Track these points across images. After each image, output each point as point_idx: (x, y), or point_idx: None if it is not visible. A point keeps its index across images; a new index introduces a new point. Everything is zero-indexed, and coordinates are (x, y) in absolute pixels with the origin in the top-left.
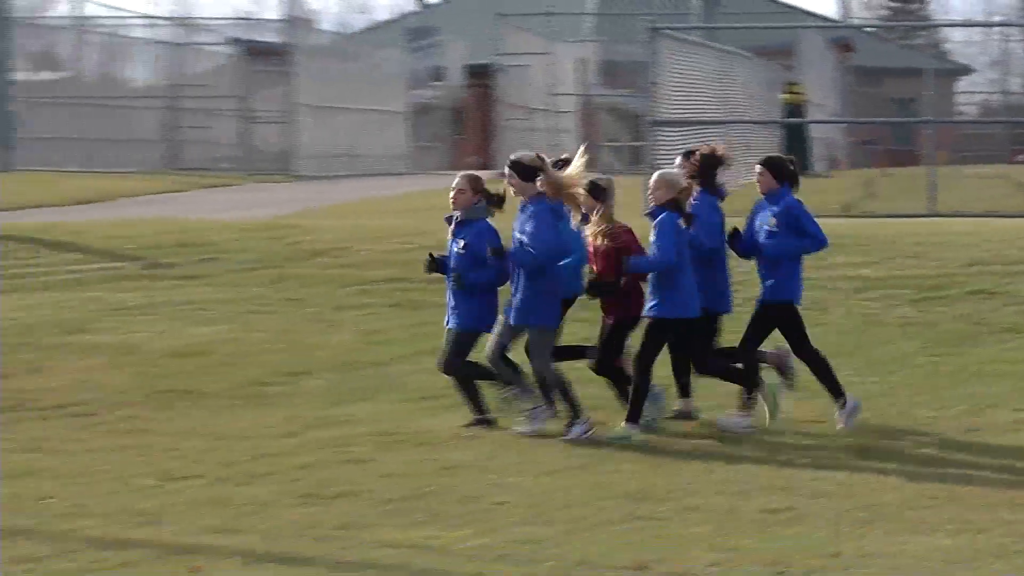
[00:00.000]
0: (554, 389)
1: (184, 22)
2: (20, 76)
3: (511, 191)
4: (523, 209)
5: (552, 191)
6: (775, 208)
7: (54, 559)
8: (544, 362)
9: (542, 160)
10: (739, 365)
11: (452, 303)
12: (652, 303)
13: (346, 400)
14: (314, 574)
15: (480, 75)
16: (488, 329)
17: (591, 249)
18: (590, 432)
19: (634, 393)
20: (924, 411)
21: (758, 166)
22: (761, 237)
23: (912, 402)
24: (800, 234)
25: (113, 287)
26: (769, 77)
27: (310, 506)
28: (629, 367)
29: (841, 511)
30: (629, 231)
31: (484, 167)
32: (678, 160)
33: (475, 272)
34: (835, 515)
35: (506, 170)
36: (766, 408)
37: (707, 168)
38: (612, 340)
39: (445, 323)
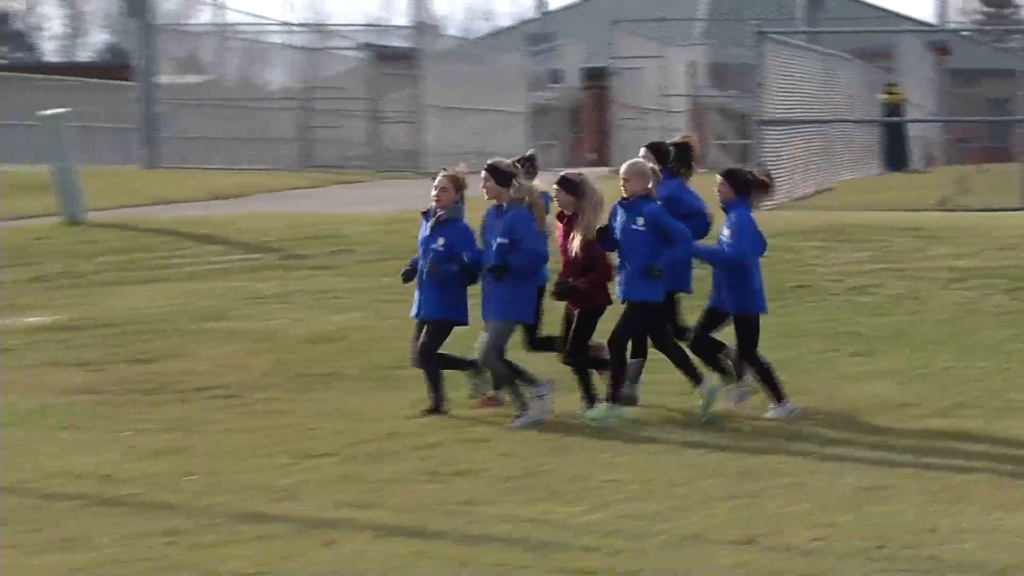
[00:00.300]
0: (504, 380)
1: (318, 29)
2: (165, 79)
3: (485, 193)
4: (499, 213)
5: (518, 197)
6: (730, 218)
7: (195, 533)
8: (493, 355)
9: (517, 168)
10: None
11: (425, 295)
12: (648, 287)
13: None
14: (441, 547)
15: (596, 77)
16: (462, 320)
17: (560, 245)
18: (540, 422)
19: (614, 374)
20: (1017, 395)
21: (719, 176)
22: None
23: (1006, 386)
24: (755, 239)
25: (252, 277)
26: (869, 79)
27: (436, 483)
28: (602, 354)
29: (935, 489)
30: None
31: (599, 164)
32: (642, 151)
33: (450, 266)
34: (929, 493)
35: (483, 173)
36: (701, 402)
37: (684, 157)
38: (581, 330)
39: (414, 315)
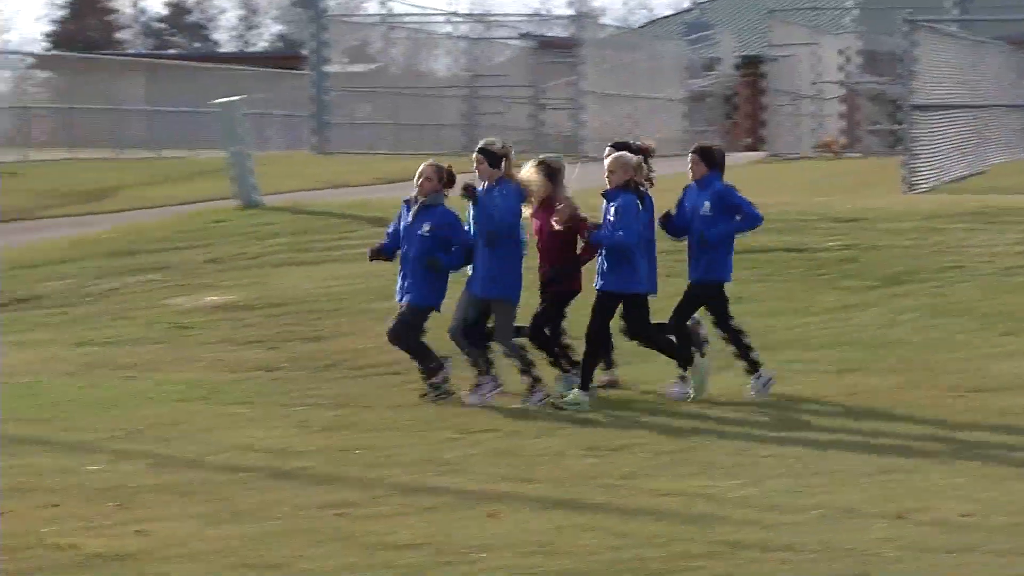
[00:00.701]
0: (519, 360)
1: (482, 19)
2: (335, 68)
3: (478, 174)
4: (489, 190)
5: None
6: (705, 194)
7: (365, 505)
8: (507, 336)
9: (508, 149)
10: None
11: (408, 280)
12: (608, 278)
13: (629, 362)
14: (602, 519)
15: (751, 65)
16: (438, 306)
17: (536, 230)
18: (546, 400)
19: (586, 360)
20: None
21: (691, 154)
22: (696, 223)
23: None
24: (734, 214)
25: None
26: (1020, 65)
27: (595, 457)
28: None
29: None
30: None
31: (754, 149)
32: (607, 151)
33: (444, 255)
34: None
35: (475, 155)
36: (693, 384)
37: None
38: (549, 312)
39: (398, 299)
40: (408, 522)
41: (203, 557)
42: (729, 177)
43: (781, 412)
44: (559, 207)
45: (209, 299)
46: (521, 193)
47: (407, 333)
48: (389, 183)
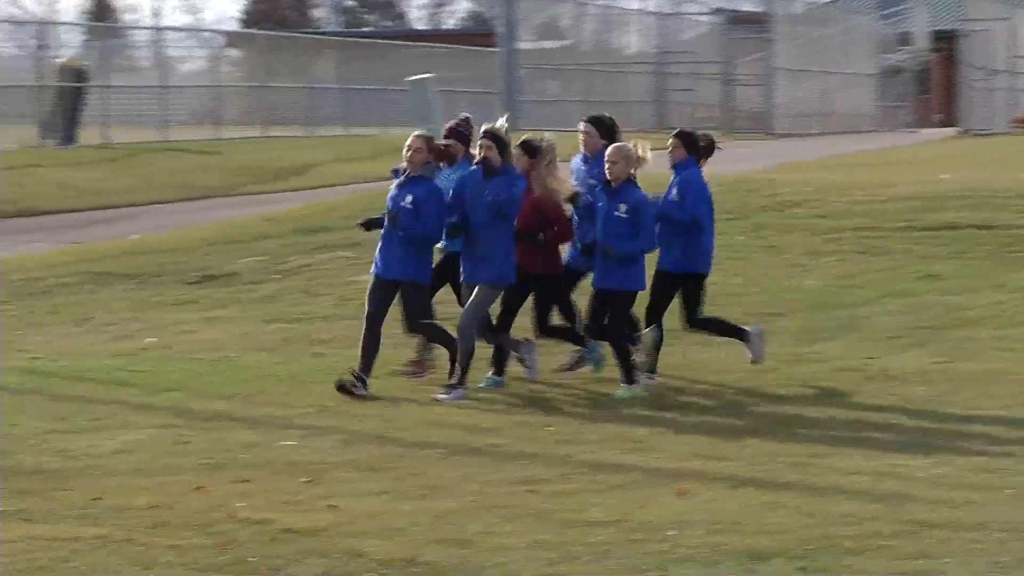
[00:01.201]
0: (459, 346)
1: None
2: (525, 45)
3: (489, 160)
4: (487, 176)
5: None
6: (677, 179)
7: (554, 481)
8: (474, 318)
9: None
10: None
11: (396, 254)
12: (625, 275)
13: (817, 339)
14: (791, 498)
15: (944, 39)
16: (426, 281)
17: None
18: (464, 400)
19: (621, 356)
20: None
21: (672, 137)
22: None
23: None
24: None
25: None
26: None
27: (786, 434)
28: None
29: None
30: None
31: (947, 124)
32: (581, 125)
33: (416, 223)
34: None
35: (484, 140)
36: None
37: (611, 135)
38: (541, 304)
39: (378, 272)
40: (598, 499)
41: (394, 533)
42: (922, 154)
43: (976, 389)
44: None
45: None
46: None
47: (419, 317)
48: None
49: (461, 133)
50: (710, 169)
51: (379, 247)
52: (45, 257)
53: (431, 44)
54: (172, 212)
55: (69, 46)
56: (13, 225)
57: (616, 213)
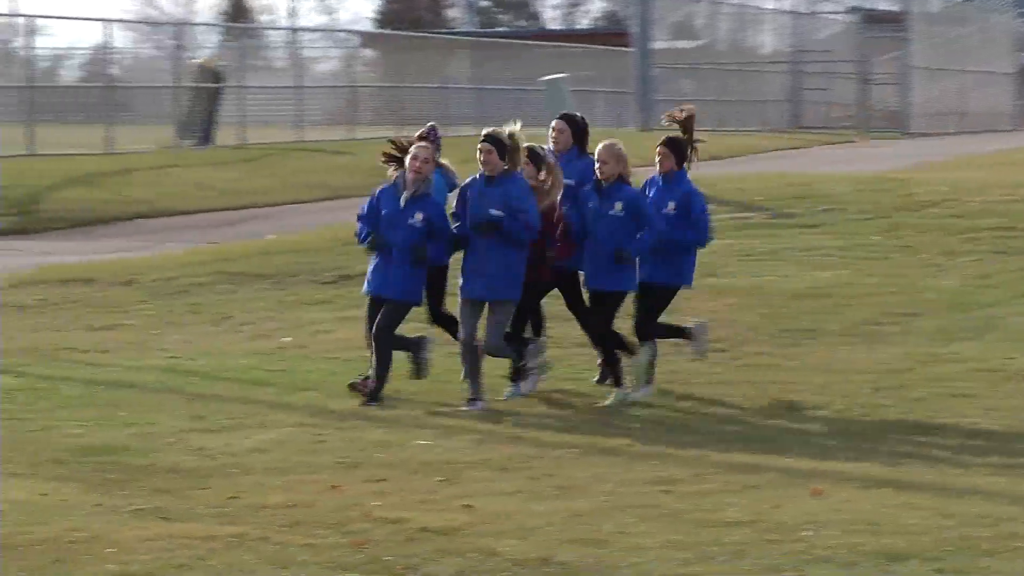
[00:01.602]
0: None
1: None
2: (660, 45)
3: (485, 164)
4: (490, 183)
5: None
6: (674, 192)
7: (688, 482)
8: (501, 338)
9: (516, 142)
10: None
11: (395, 273)
12: (621, 276)
13: (954, 339)
14: (927, 498)
15: None
16: (420, 301)
17: None
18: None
19: (610, 359)
20: None
21: (661, 146)
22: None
23: None
24: (689, 223)
25: (742, 234)
26: None
27: (922, 435)
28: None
29: None
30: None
31: None
32: (555, 122)
33: (432, 245)
34: None
35: (484, 144)
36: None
37: (583, 135)
38: (524, 305)
39: (373, 291)
40: (732, 499)
41: (528, 532)
42: None
43: None
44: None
45: None
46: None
47: (390, 331)
48: (714, 159)
49: (429, 141)
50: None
51: (374, 266)
52: (182, 257)
53: (565, 44)
54: (307, 212)
55: (206, 47)
56: (151, 225)
57: (612, 212)
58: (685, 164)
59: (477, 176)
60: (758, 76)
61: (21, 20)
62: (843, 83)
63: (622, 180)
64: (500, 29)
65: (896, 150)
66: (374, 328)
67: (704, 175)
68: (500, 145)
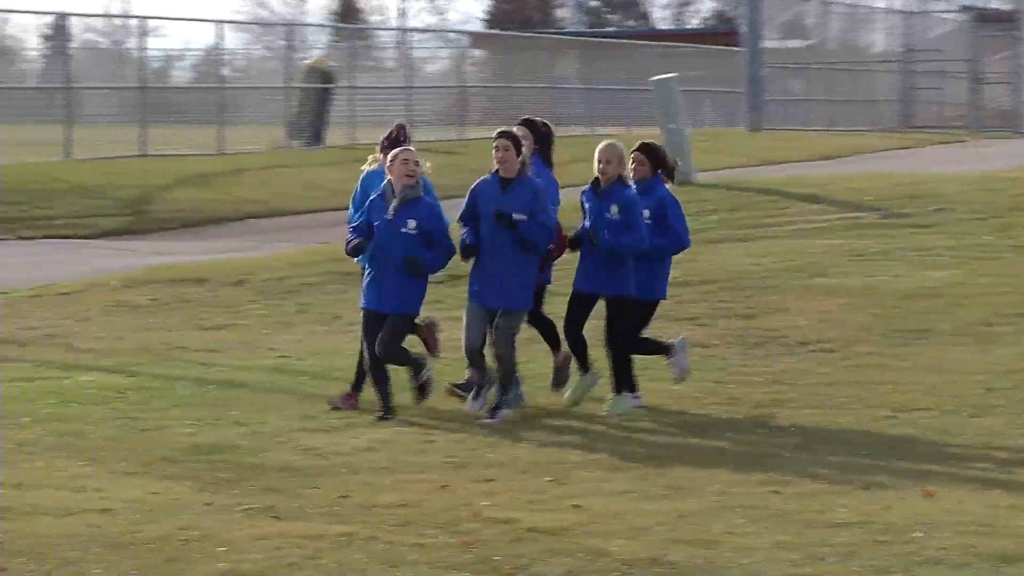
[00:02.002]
0: (508, 373)
1: None
2: (770, 44)
3: (504, 164)
4: (505, 185)
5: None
6: (648, 199)
7: (797, 483)
8: (512, 346)
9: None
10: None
11: (392, 286)
12: (620, 282)
13: None
14: None
15: None
16: (418, 312)
17: None
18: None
19: (620, 367)
20: None
21: (635, 152)
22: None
23: None
24: (663, 230)
25: (853, 235)
26: None
27: None
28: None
29: None
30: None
31: None
32: (515, 128)
33: (428, 253)
34: None
35: (503, 141)
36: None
37: (546, 141)
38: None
39: (371, 306)
40: (842, 501)
41: (639, 532)
42: None
43: None
44: None
45: None
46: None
47: (395, 346)
48: (824, 159)
49: (398, 142)
50: None
51: (368, 279)
52: (293, 257)
53: (674, 44)
54: None
55: (316, 47)
56: (262, 225)
57: (607, 215)
58: (660, 172)
59: (488, 176)
60: (868, 75)
61: (134, 21)
62: (955, 82)
63: (621, 182)
64: (609, 29)
65: (1009, 149)
66: (377, 347)
67: (815, 175)
68: (518, 144)
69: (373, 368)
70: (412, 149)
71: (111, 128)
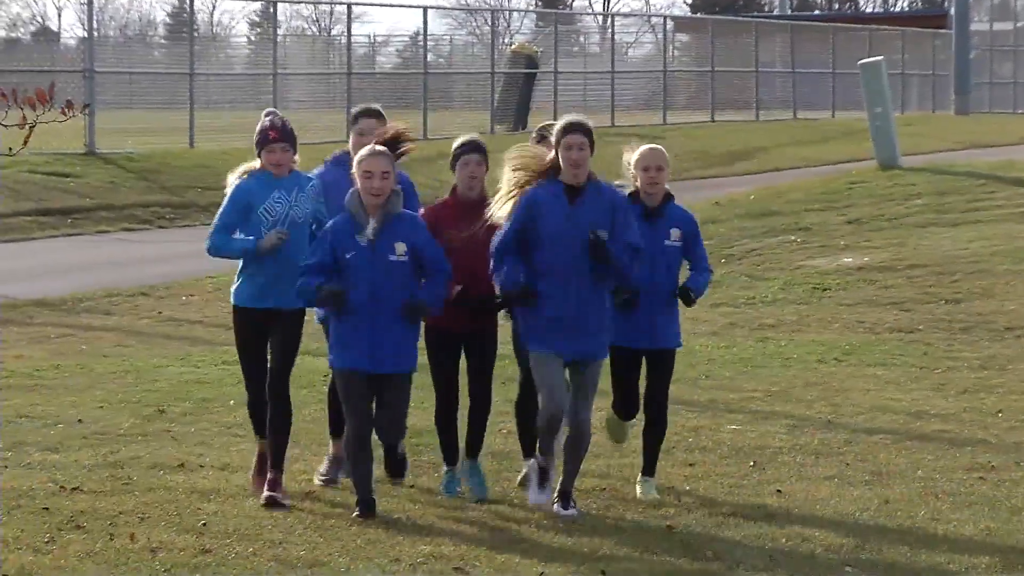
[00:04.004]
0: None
1: None
2: (977, 27)
3: (581, 166)
4: (585, 194)
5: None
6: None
7: (1004, 469)
8: (590, 407)
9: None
10: None
11: (392, 336)
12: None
13: None
14: None
15: None
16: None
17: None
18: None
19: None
20: None
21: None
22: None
23: None
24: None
25: None
26: None
27: None
28: None
29: None
30: None
31: None
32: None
33: (428, 288)
34: None
35: (577, 138)
36: None
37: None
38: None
39: (354, 364)
40: None
41: (843, 518)
42: None
43: None
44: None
45: (848, 260)
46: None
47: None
48: None
49: (268, 140)
50: None
51: (348, 328)
52: None
53: (880, 27)
54: None
55: (521, 32)
56: None
57: (667, 242)
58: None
59: (546, 184)
60: None
61: (342, 7)
62: None
63: (671, 198)
64: (815, 12)
65: None
66: (387, 433)
67: (1022, 161)
68: (593, 140)
69: (356, 449)
70: (382, 152)
71: (317, 113)
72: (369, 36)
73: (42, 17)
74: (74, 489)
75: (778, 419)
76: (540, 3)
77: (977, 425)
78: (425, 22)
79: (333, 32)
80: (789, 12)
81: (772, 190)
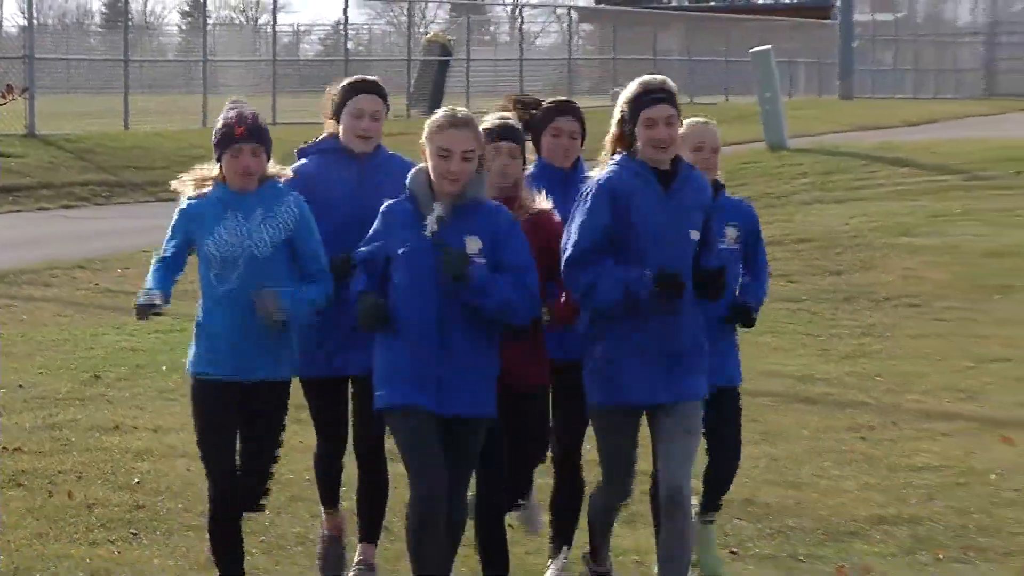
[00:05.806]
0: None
1: None
2: (860, 17)
3: (670, 146)
4: (679, 182)
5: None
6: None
7: (882, 429)
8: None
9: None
10: None
11: (460, 370)
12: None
13: None
14: None
15: None
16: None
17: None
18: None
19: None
20: None
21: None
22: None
23: None
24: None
25: (937, 197)
26: None
27: None
28: None
29: None
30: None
31: None
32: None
33: (514, 299)
34: None
35: (666, 109)
36: None
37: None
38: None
39: (408, 399)
40: (924, 446)
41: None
42: None
43: None
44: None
45: None
46: None
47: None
48: (911, 126)
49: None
50: None
51: (394, 356)
52: None
53: (770, 17)
54: None
55: (436, 22)
56: None
57: (723, 245)
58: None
59: (624, 162)
60: (954, 46)
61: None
62: None
63: (722, 187)
64: (709, 3)
65: None
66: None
67: (902, 141)
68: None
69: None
70: (465, 118)
71: (245, 98)
72: (293, 25)
73: None
74: (15, 449)
75: None
76: None
77: (858, 388)
78: (346, 12)
79: (260, 22)
80: (686, 3)
81: None
